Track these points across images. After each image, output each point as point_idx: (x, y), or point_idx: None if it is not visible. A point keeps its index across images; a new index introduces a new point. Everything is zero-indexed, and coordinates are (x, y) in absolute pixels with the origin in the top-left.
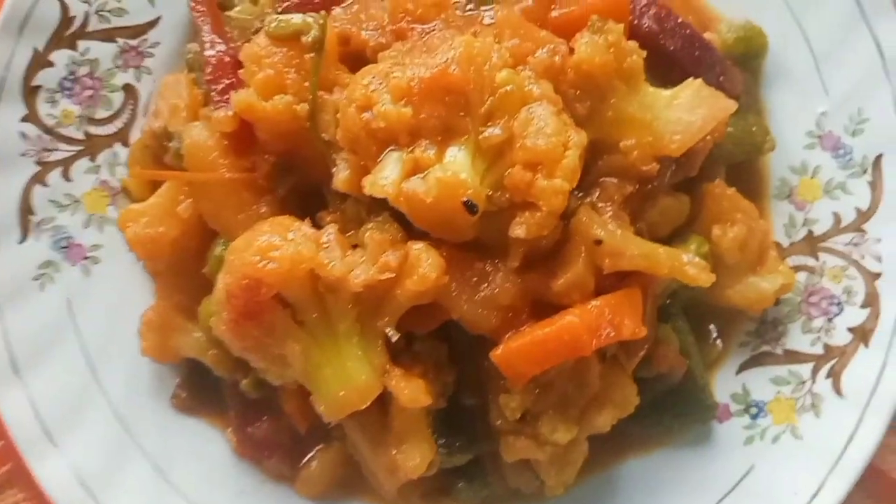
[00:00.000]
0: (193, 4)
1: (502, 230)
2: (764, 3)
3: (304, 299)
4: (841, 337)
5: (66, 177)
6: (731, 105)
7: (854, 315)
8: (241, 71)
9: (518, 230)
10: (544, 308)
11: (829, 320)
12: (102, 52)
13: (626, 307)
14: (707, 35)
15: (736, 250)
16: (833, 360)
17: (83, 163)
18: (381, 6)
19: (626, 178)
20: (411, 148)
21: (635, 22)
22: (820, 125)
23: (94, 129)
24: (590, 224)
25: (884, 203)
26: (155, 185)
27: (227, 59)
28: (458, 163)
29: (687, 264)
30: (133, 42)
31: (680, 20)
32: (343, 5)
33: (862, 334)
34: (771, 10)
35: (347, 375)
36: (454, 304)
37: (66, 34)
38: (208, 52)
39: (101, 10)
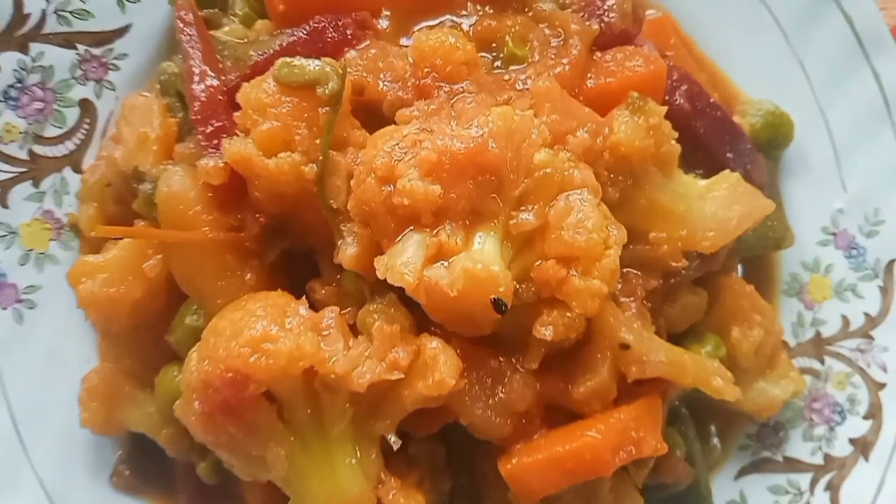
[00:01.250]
0: (180, 24)
1: (522, 324)
2: (789, 87)
3: (296, 397)
4: (842, 448)
5: (2, 202)
6: (769, 205)
7: (856, 426)
8: (236, 114)
9: (544, 331)
10: (558, 411)
11: (831, 429)
12: (59, 59)
13: (648, 420)
14: (736, 119)
15: (752, 355)
16: (832, 472)
17: (25, 188)
18: (400, 54)
19: (650, 270)
20: (435, 230)
21: (666, 98)
22: (835, 222)
23: (40, 149)
24: (617, 325)
25: (893, 310)
26: (113, 223)
27: (219, 97)
28: (487, 252)
29: (713, 375)
30: (96, 51)
31: (711, 100)
32: (358, 48)
33: (863, 447)
34: (796, 95)
35: (338, 486)
36: (465, 409)
37: (16, 34)
38: (197, 87)
39: (62, 10)
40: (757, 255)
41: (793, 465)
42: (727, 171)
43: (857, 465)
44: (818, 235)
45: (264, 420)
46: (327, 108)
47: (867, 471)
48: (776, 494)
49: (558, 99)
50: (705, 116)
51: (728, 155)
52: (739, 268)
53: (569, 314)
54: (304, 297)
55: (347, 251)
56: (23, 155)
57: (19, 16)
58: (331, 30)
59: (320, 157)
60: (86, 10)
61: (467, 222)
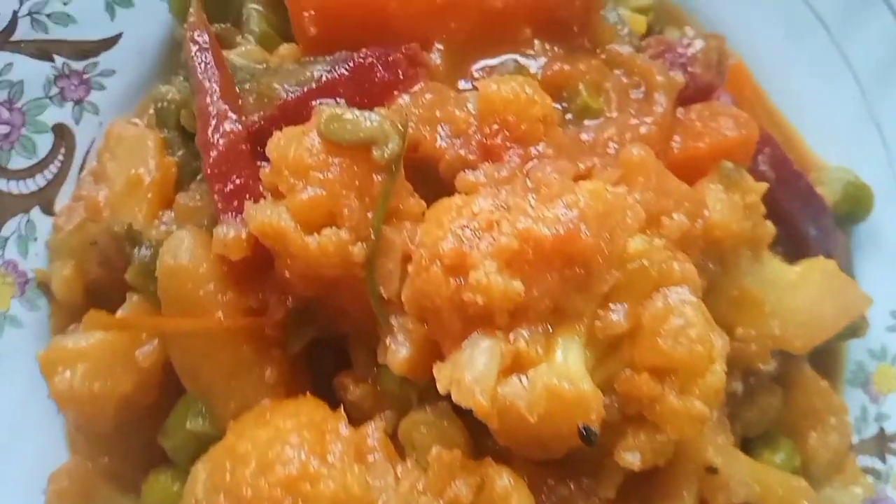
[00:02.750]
0: (193, 48)
1: (599, 443)
2: (864, 151)
3: None
4: None
5: None
6: (867, 301)
7: None
8: (263, 169)
9: (629, 457)
10: None
11: None
12: (31, 72)
13: None
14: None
15: (827, 461)
16: None
17: None
18: (460, 101)
19: (731, 370)
20: (511, 334)
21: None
22: None
23: (3, 184)
24: (703, 444)
25: None
26: (93, 290)
27: (242, 147)
28: (573, 366)
29: (802, 498)
30: (77, 65)
31: (796, 168)
32: (411, 91)
33: None
34: (870, 161)
35: None
36: None
37: None
38: (214, 134)
39: (38, 13)
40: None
41: None
42: (821, 259)
43: None
44: (888, 320)
45: None
46: (383, 175)
47: None
48: None
49: (654, 172)
50: (789, 187)
51: (811, 231)
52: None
53: (659, 437)
54: (341, 409)
55: (398, 353)
56: None
57: None
58: (380, 67)
59: (371, 235)
60: (66, 15)
61: (548, 326)
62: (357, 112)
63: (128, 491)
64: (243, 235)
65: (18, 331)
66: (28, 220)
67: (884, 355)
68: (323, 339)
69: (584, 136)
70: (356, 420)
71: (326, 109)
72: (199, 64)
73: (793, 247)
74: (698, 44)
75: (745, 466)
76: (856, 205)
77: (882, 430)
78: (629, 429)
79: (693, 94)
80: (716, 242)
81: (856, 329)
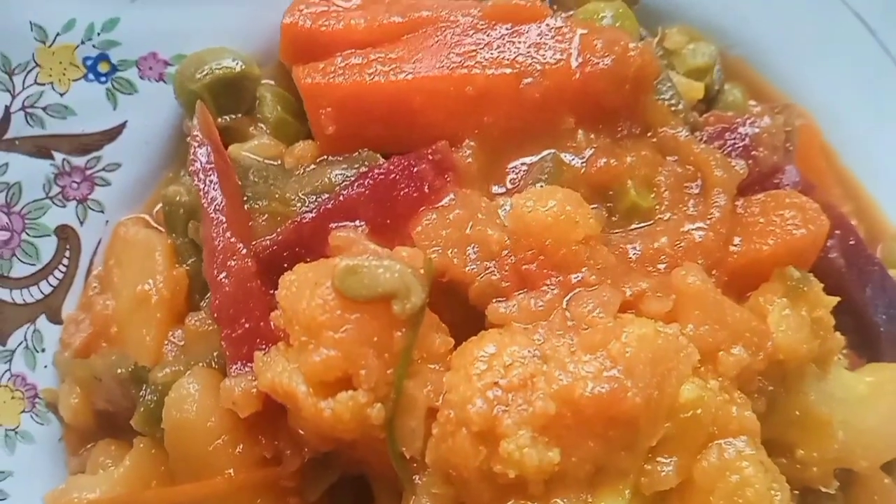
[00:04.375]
0: (196, 165)
1: None
2: None
3: None
4: None
5: None
6: None
7: None
8: (275, 314)
9: None
10: None
11: None
12: (29, 172)
13: None
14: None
15: None
16: None
17: None
18: (492, 215)
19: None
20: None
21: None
22: None
23: (6, 294)
24: None
25: None
26: (102, 418)
27: (250, 283)
28: None
29: None
30: (78, 160)
31: (868, 252)
32: (438, 205)
33: None
34: None
35: None
36: None
37: None
38: (219, 275)
39: (32, 107)
40: None
41: None
42: (894, 368)
43: None
44: None
45: None
46: (405, 329)
47: None
48: None
49: (711, 303)
50: (861, 275)
51: (882, 320)
52: None
53: None
54: None
55: None
56: None
57: None
58: (402, 181)
59: (392, 395)
60: (64, 106)
61: (588, 495)
62: (375, 262)
63: None
64: (253, 391)
65: (31, 446)
66: (35, 330)
67: None
68: (347, 477)
69: (630, 250)
70: None
71: (342, 261)
72: (203, 188)
73: (861, 339)
74: (764, 122)
75: None
76: None
77: None
78: None
79: (758, 179)
80: (779, 364)
81: None
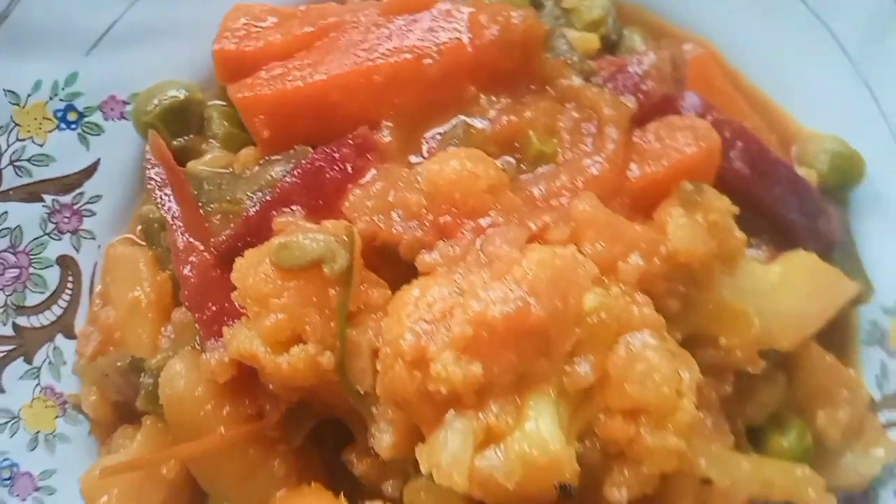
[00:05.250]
0: (153, 185)
1: (591, 479)
2: (856, 115)
3: None
4: None
5: None
6: (852, 288)
7: None
8: (234, 293)
9: (616, 494)
10: None
11: None
12: (26, 215)
13: None
14: (801, 171)
15: (840, 435)
16: None
17: (17, 366)
18: (411, 181)
19: (723, 375)
20: (480, 412)
21: (721, 161)
22: None
23: (25, 321)
24: (696, 459)
25: None
26: (119, 409)
27: (213, 274)
28: (544, 429)
29: (806, 487)
30: (65, 198)
31: (773, 156)
32: (362, 183)
33: None
34: (864, 123)
35: None
36: None
37: None
38: (184, 270)
39: (18, 161)
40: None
41: None
42: (803, 255)
43: None
44: None
45: None
46: (338, 287)
47: None
48: None
49: (603, 223)
50: (767, 179)
51: (796, 217)
52: None
53: (642, 472)
54: (341, 496)
55: (383, 440)
56: (7, 331)
57: None
58: (327, 167)
59: (338, 343)
60: (45, 155)
61: (516, 396)
62: (302, 236)
63: None
64: (226, 360)
65: (68, 445)
66: (55, 347)
67: None
68: (326, 421)
69: (535, 191)
70: (366, 489)
71: (275, 240)
72: (161, 202)
73: (780, 236)
74: (649, 58)
75: (743, 468)
76: (845, 175)
77: None
78: (614, 465)
79: (652, 110)
80: (684, 266)
81: (859, 298)
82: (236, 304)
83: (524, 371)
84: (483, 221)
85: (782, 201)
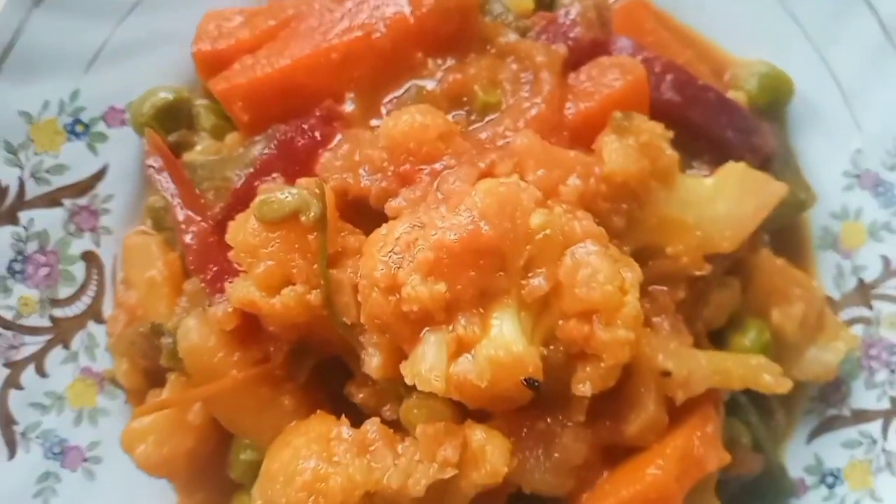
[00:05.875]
0: (152, 172)
1: (560, 380)
2: (783, 39)
3: None
4: None
5: (41, 373)
6: (782, 188)
7: None
8: (230, 253)
9: (582, 388)
10: (616, 449)
11: (892, 371)
12: (49, 220)
13: (706, 437)
14: (731, 94)
15: (797, 330)
16: None
17: (57, 353)
18: (374, 141)
19: (675, 282)
20: (451, 325)
21: (653, 94)
22: (856, 164)
23: (60, 312)
24: (653, 354)
25: None
26: (148, 374)
27: (210, 240)
28: (507, 334)
29: (761, 373)
30: (82, 201)
31: (701, 83)
32: (330, 147)
33: None
34: (791, 47)
35: None
36: (525, 478)
37: (2, 209)
38: (186, 238)
39: (37, 173)
40: (782, 224)
41: (861, 416)
42: (732, 164)
43: None
44: (841, 181)
45: None
46: (316, 233)
47: None
48: (850, 449)
49: (541, 152)
50: (698, 103)
51: (730, 135)
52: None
53: (602, 365)
54: (343, 417)
55: (372, 363)
56: (45, 323)
57: None
58: (298, 137)
59: (322, 282)
60: (60, 165)
61: (480, 308)
62: (279, 193)
63: None
64: (230, 310)
65: (109, 418)
66: (88, 333)
67: (845, 214)
68: (329, 360)
69: (483, 135)
70: (367, 416)
71: (257, 198)
72: (160, 185)
73: (718, 154)
74: (575, 8)
75: (700, 360)
76: (774, 94)
77: (861, 280)
78: (578, 364)
79: (584, 55)
80: (622, 186)
81: (803, 204)
82: (234, 263)
83: (485, 286)
84: (438, 165)
85: (714, 122)
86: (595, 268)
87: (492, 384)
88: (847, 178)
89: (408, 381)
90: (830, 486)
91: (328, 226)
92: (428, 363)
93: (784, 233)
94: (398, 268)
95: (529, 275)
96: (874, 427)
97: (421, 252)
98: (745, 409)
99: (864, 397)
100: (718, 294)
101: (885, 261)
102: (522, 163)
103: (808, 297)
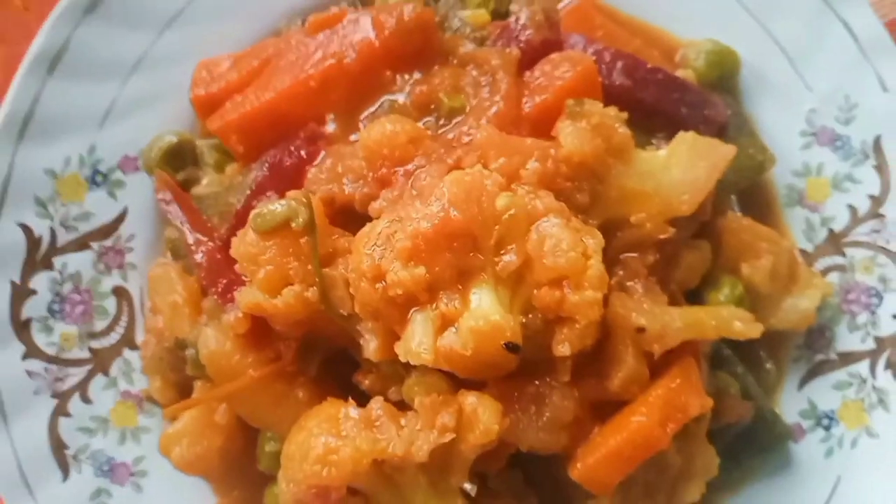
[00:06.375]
0: (163, 205)
1: (544, 346)
2: (726, 18)
3: (374, 485)
4: (888, 326)
5: (85, 400)
6: (730, 150)
7: (895, 301)
8: (236, 266)
9: (562, 349)
10: (606, 405)
11: (873, 313)
12: (80, 262)
13: (687, 384)
14: (679, 73)
15: (769, 281)
16: (887, 351)
17: (98, 380)
18: (354, 153)
19: (645, 248)
20: (434, 304)
21: (605, 82)
22: (811, 122)
23: (97, 344)
24: (627, 313)
25: (894, 183)
26: (179, 387)
27: (218, 256)
28: (485, 306)
29: (732, 321)
30: (108, 242)
31: (649, 66)
32: (316, 163)
33: None
34: (735, 23)
35: None
36: (521, 437)
37: (38, 257)
38: (197, 257)
39: (66, 222)
40: (745, 185)
41: (848, 358)
42: (682, 134)
43: None
44: (799, 141)
45: None
46: (307, 237)
47: None
48: (841, 390)
49: (502, 143)
50: (648, 84)
51: (682, 110)
52: (735, 203)
53: (577, 326)
54: (350, 399)
55: (370, 346)
56: (85, 355)
57: (32, 241)
58: (286, 158)
59: (317, 279)
60: (86, 213)
61: (459, 286)
62: (270, 205)
63: None
64: (240, 315)
65: (150, 434)
66: (124, 360)
67: (808, 171)
68: (337, 354)
69: (450, 135)
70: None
71: (253, 212)
72: (171, 215)
73: (673, 130)
74: (524, 13)
75: (674, 315)
76: (722, 67)
77: (831, 230)
78: (556, 328)
79: (537, 55)
80: (581, 165)
81: (761, 164)
82: (240, 275)
83: (462, 266)
84: (411, 166)
85: (666, 100)
86: (558, 238)
87: (476, 351)
88: (805, 137)
89: (402, 359)
90: (827, 428)
91: (317, 230)
92: (417, 339)
93: (751, 195)
94: (381, 258)
95: (501, 252)
96: (862, 367)
97: (399, 241)
98: (730, 360)
99: (848, 340)
100: (689, 255)
101: (852, 210)
102: (485, 154)
103: (776, 250)
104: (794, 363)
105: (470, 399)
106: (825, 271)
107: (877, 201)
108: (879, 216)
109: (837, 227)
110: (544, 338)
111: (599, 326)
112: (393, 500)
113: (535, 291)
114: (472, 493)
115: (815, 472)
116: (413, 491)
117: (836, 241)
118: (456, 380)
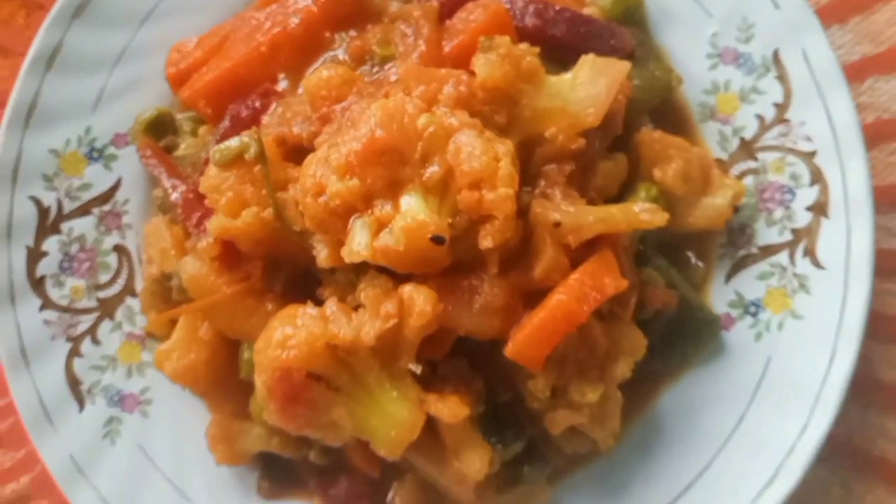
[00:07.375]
0: (144, 160)
1: (473, 246)
2: None
3: (331, 369)
4: (803, 218)
5: (95, 342)
6: (626, 65)
7: (807, 195)
8: (206, 201)
9: (486, 242)
10: (535, 296)
11: (787, 207)
12: (84, 226)
13: (603, 268)
14: (586, 10)
15: (681, 182)
16: (804, 240)
17: (106, 325)
18: (301, 101)
19: (562, 160)
20: (370, 211)
21: (519, 25)
22: (715, 45)
23: (103, 294)
24: (544, 212)
25: (794, 90)
26: (174, 322)
27: (191, 195)
28: (413, 208)
29: (640, 213)
30: (107, 207)
31: (557, 7)
32: (269, 113)
33: (820, 208)
34: None
35: (391, 417)
36: (457, 322)
37: (48, 224)
38: (174, 197)
39: (70, 193)
40: (657, 103)
41: (768, 250)
42: (583, 56)
43: (822, 225)
44: (706, 63)
45: (320, 395)
46: (259, 166)
47: (832, 226)
48: (765, 279)
49: (420, 73)
50: (557, 22)
51: (590, 42)
52: (651, 123)
53: (497, 221)
54: (309, 302)
55: (322, 255)
56: (93, 304)
57: (42, 211)
58: (244, 110)
59: (271, 201)
60: (86, 184)
61: (392, 195)
62: (225, 142)
63: (247, 419)
64: (211, 240)
65: (153, 369)
66: (127, 306)
67: (716, 88)
68: (299, 273)
69: (381, 77)
70: None
71: (212, 149)
72: (151, 166)
73: None
74: None
75: (587, 212)
76: (625, 3)
77: (743, 139)
78: (480, 226)
79: (455, 7)
80: (495, 90)
81: (668, 84)
82: (210, 208)
83: (392, 179)
84: (346, 103)
85: (575, 34)
86: (472, 147)
87: (407, 246)
88: (710, 58)
89: (346, 260)
90: (754, 315)
91: (269, 160)
92: (357, 241)
93: (667, 115)
94: (321, 175)
95: (427, 164)
96: (782, 257)
97: (335, 160)
98: (653, 257)
99: (767, 234)
100: (605, 165)
101: (760, 118)
102: (407, 84)
103: (686, 156)
104: (720, 260)
105: (408, 289)
106: (741, 175)
107: (781, 108)
108: (785, 121)
109: (748, 135)
110: (472, 236)
111: (521, 225)
112: (351, 383)
113: (458, 196)
114: (417, 371)
115: (746, 356)
116: (367, 373)
117: (748, 148)
118: (398, 278)
